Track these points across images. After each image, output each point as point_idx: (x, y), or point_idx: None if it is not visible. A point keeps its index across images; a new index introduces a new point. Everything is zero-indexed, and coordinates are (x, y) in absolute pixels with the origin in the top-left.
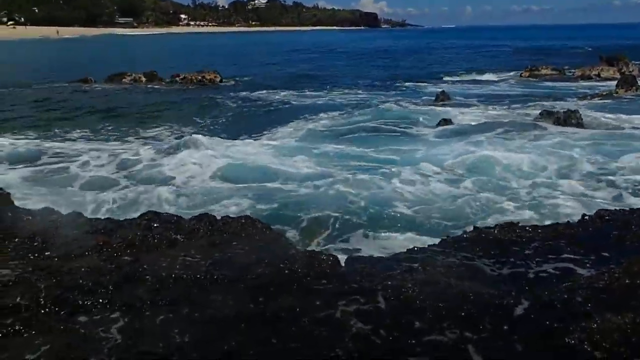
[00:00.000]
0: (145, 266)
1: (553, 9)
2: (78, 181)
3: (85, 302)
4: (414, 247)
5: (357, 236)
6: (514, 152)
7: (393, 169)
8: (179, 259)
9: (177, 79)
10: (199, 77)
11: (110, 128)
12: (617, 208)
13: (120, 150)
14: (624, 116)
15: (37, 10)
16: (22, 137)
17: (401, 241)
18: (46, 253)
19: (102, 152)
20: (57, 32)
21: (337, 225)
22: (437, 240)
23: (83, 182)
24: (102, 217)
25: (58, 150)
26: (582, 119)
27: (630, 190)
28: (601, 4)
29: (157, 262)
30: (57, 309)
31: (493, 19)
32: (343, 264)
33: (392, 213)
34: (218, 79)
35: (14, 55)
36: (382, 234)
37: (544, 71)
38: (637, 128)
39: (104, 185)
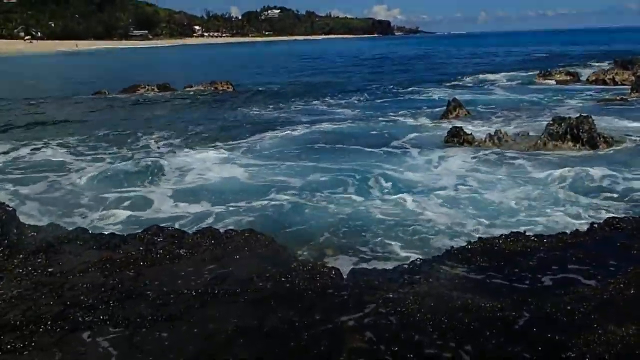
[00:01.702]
0: (146, 282)
1: (568, 13)
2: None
3: (86, 319)
4: (418, 258)
5: (360, 249)
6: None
7: (399, 185)
8: (180, 274)
9: (190, 90)
10: (212, 88)
11: (99, 138)
12: (628, 216)
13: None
14: (636, 123)
15: (53, 25)
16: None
17: (406, 252)
18: (49, 269)
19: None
20: (76, 45)
21: (339, 239)
22: (441, 252)
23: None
24: (106, 232)
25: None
26: (594, 125)
27: None
28: (616, 8)
29: (159, 277)
30: (58, 326)
31: (507, 24)
32: (345, 277)
33: (396, 227)
34: (231, 89)
35: (32, 70)
36: (386, 247)
37: (557, 76)
38: None
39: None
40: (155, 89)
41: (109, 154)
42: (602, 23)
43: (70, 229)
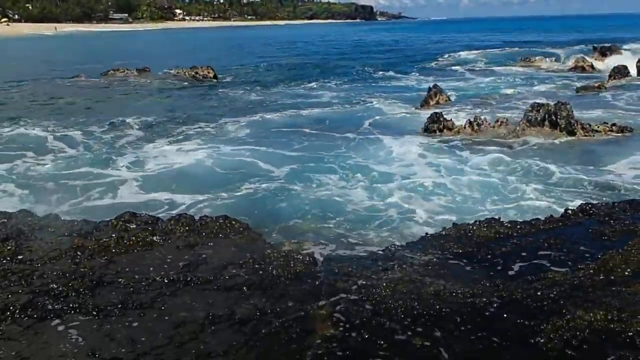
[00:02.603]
0: (118, 269)
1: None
2: None
3: (56, 307)
4: (392, 245)
5: (336, 235)
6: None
7: (375, 172)
8: (153, 261)
9: (170, 74)
10: (193, 73)
11: (73, 122)
12: (601, 202)
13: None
14: (611, 109)
15: (31, 7)
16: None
17: (381, 239)
18: (19, 257)
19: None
20: (55, 28)
21: (316, 225)
22: (416, 238)
23: None
24: (79, 219)
25: None
26: (572, 111)
27: None
28: None
29: (131, 264)
30: (26, 314)
31: (490, 10)
32: (319, 263)
33: (371, 213)
34: (212, 75)
35: (8, 53)
36: (363, 233)
37: (537, 62)
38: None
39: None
40: (135, 73)
41: (83, 138)
42: (584, 10)
43: (42, 215)
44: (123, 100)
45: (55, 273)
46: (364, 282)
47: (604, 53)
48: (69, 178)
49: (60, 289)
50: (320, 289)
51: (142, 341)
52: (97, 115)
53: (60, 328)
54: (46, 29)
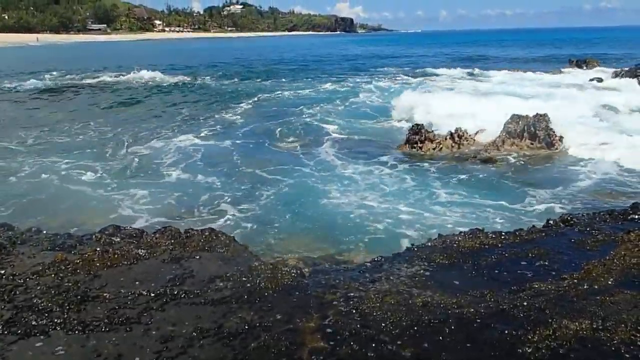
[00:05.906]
0: (103, 283)
1: (526, 13)
2: None
3: (40, 323)
4: (379, 256)
5: (323, 247)
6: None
7: (359, 185)
8: (139, 275)
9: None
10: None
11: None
12: (581, 213)
13: None
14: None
15: (7, 17)
16: None
17: (368, 250)
18: (1, 272)
19: None
20: (37, 39)
21: (303, 237)
22: (402, 249)
23: None
24: (62, 233)
25: None
26: (550, 123)
27: None
28: (573, 9)
29: (116, 278)
30: (9, 331)
31: (468, 23)
32: (307, 276)
33: (355, 225)
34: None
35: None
36: (349, 245)
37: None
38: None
39: None
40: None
41: (62, 147)
42: (560, 23)
43: (24, 229)
44: (94, 107)
45: (39, 288)
46: (352, 294)
47: (580, 66)
48: (57, 188)
49: (45, 304)
50: (308, 302)
51: (129, 357)
52: (70, 123)
53: (46, 344)
54: (27, 39)
